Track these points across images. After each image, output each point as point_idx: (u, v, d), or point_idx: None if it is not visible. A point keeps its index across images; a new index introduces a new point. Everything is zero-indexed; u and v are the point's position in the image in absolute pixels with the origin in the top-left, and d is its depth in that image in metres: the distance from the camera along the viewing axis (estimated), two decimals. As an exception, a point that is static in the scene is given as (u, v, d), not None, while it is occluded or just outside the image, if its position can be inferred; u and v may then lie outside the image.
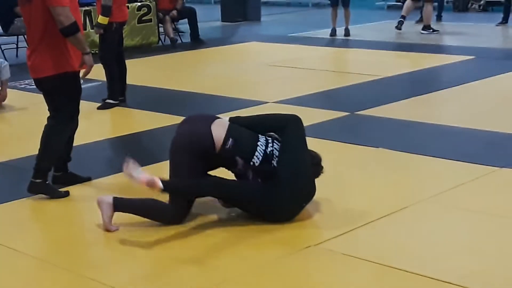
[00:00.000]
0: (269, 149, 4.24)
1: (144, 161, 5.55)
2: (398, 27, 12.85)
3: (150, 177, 4.00)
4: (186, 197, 4.25)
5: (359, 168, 5.33)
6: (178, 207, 4.25)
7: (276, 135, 4.37)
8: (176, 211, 4.25)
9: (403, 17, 12.98)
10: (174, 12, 12.21)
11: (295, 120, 4.36)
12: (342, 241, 4.00)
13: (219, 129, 4.21)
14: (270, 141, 4.30)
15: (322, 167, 4.43)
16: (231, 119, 4.39)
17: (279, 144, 4.30)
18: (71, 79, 4.74)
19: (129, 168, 4.03)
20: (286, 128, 4.30)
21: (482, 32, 12.92)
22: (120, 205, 4.21)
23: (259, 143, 4.25)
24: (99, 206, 4.22)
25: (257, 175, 4.22)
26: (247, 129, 4.32)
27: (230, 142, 4.18)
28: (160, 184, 3.99)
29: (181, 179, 4.20)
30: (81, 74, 4.82)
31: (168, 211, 4.25)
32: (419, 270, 3.61)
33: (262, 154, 4.21)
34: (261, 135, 4.32)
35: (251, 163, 4.19)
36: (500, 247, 3.91)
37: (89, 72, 4.74)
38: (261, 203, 4.19)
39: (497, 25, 13.29)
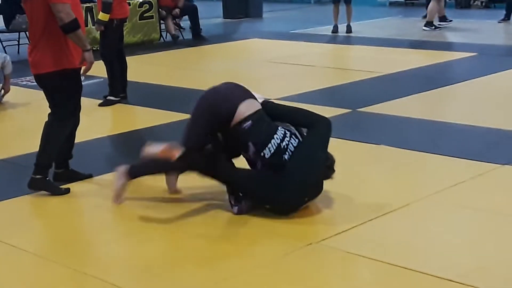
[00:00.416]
0: (284, 143, 4.25)
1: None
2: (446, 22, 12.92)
3: (168, 146, 4.17)
4: (198, 171, 4.43)
5: (361, 165, 5.32)
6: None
7: (296, 130, 4.39)
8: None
9: (443, 17, 13.02)
10: (177, 10, 12.18)
11: (326, 123, 4.40)
12: (344, 239, 3.99)
13: (246, 107, 4.27)
14: (288, 135, 4.30)
15: (333, 171, 4.42)
16: (263, 103, 4.40)
17: (297, 139, 4.31)
18: (71, 76, 4.73)
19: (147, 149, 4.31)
20: (314, 127, 4.33)
21: (484, 28, 12.89)
22: (134, 171, 4.45)
23: (275, 136, 4.26)
24: (116, 176, 4.46)
25: (265, 166, 4.24)
26: (274, 118, 4.35)
27: (248, 123, 4.23)
28: (177, 155, 4.19)
29: (198, 156, 4.33)
30: (81, 71, 4.80)
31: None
32: (421, 268, 3.60)
33: (275, 147, 4.22)
34: (282, 127, 4.33)
35: (262, 154, 4.22)
36: (502, 244, 3.90)
37: (89, 69, 4.74)
38: (265, 192, 4.23)
39: (499, 22, 13.26)
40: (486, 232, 4.09)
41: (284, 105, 4.67)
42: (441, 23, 12.84)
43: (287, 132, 4.31)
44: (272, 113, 4.37)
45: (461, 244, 3.92)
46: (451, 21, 12.87)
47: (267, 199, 4.27)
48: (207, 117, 4.30)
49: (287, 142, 4.25)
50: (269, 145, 4.22)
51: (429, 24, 12.63)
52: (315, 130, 4.33)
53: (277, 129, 4.29)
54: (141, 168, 4.55)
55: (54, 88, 4.77)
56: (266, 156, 4.22)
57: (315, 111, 4.55)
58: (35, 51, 4.73)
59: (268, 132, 4.26)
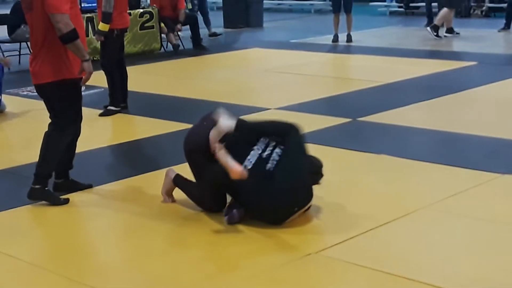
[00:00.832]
0: (266, 152, 4.33)
1: (145, 168, 5.58)
2: (452, 34, 12.97)
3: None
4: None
5: (360, 174, 5.32)
6: (208, 198, 4.53)
7: (280, 140, 4.42)
8: (209, 203, 4.55)
9: (451, 29, 13.06)
10: (179, 26, 12.17)
11: (296, 129, 4.45)
12: (342, 249, 3.99)
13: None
14: (271, 144, 4.36)
15: (321, 175, 4.44)
16: (236, 123, 4.46)
17: (281, 147, 4.33)
18: (70, 86, 4.74)
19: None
20: (288, 135, 4.40)
21: (484, 38, 12.90)
22: (177, 181, 4.73)
23: (255, 147, 4.37)
24: (165, 177, 4.75)
25: (250, 177, 4.25)
26: (251, 132, 4.45)
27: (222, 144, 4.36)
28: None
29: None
30: (84, 82, 4.80)
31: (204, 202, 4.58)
32: (421, 278, 3.59)
33: (255, 158, 4.32)
34: (264, 138, 4.41)
35: (244, 165, 4.27)
36: (502, 254, 3.89)
37: (88, 79, 4.74)
38: (255, 201, 4.28)
39: (499, 31, 13.27)
40: (486, 242, 4.08)
41: (254, 121, 4.77)
42: (447, 34, 12.88)
43: (270, 142, 4.38)
44: (245, 130, 4.47)
45: (461, 253, 3.91)
46: (457, 34, 12.92)
47: (257, 210, 4.31)
48: (197, 157, 4.56)
49: (269, 152, 4.33)
50: (249, 157, 4.32)
51: (434, 29, 12.66)
52: (291, 139, 4.38)
53: (258, 140, 4.40)
54: (182, 183, 4.73)
55: (54, 98, 4.79)
56: (248, 167, 4.28)
57: (283, 119, 4.64)
58: (36, 61, 4.75)
59: (245, 145, 4.38)
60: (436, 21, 12.81)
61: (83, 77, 4.74)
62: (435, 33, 12.57)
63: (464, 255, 3.90)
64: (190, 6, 13.82)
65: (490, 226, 4.29)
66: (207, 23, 14.15)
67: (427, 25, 13.42)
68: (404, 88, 8.61)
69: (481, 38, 12.88)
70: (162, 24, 12.19)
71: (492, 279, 3.60)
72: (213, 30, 14.19)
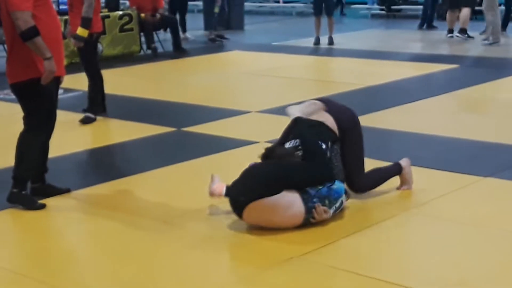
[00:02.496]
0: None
1: (124, 172, 5.51)
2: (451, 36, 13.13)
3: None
4: None
5: (342, 178, 5.27)
6: None
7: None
8: None
9: (451, 30, 13.19)
10: (158, 16, 12.11)
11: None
12: (325, 252, 3.95)
13: None
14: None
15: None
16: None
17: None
18: (39, 85, 4.65)
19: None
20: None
21: (466, 40, 12.94)
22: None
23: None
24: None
25: None
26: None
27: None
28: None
29: None
30: (44, 81, 4.67)
31: None
32: (402, 281, 3.56)
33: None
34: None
35: None
36: (485, 257, 3.88)
37: (48, 78, 4.60)
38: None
39: (481, 34, 13.33)
40: (469, 245, 4.06)
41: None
42: (459, 35, 13.03)
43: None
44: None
45: (444, 257, 3.88)
46: (471, 37, 13.01)
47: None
48: None
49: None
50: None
51: (462, 31, 12.84)
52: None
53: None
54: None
55: (26, 97, 4.74)
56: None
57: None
58: (8, 61, 4.74)
59: None
60: (461, 24, 12.94)
61: (51, 76, 4.64)
62: (465, 35, 12.75)
63: (447, 258, 3.87)
64: (216, 10, 13.68)
65: (472, 229, 4.27)
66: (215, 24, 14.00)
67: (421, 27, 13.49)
68: (386, 91, 8.60)
69: (462, 41, 12.92)
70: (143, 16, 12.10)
71: (475, 283, 3.58)
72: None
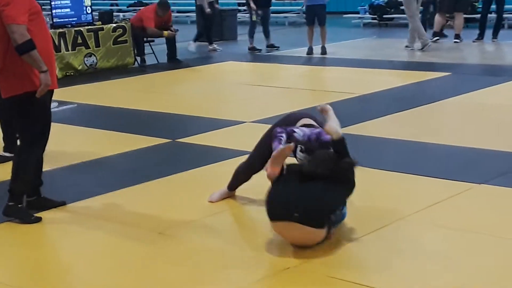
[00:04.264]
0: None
1: (119, 184, 5.51)
2: (434, 41, 13.30)
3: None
4: None
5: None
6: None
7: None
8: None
9: (436, 33, 13.41)
10: (172, 29, 12.31)
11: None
12: (322, 262, 3.95)
13: None
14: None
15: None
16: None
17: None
18: (34, 98, 4.65)
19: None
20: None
21: (458, 48, 13.00)
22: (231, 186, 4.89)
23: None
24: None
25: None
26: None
27: None
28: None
29: None
30: (39, 93, 4.65)
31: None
32: (400, 290, 3.57)
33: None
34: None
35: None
36: (479, 264, 3.89)
37: (44, 91, 4.59)
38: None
39: (474, 41, 13.41)
40: (465, 252, 4.07)
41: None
42: (457, 40, 13.36)
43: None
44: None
45: (440, 264, 3.89)
46: (461, 40, 13.42)
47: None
48: None
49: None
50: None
51: (458, 36, 13.21)
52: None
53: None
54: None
55: (20, 111, 4.73)
56: None
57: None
58: (1, 75, 4.71)
59: None
60: (457, 30, 13.35)
61: (47, 89, 4.64)
62: (461, 39, 13.20)
63: (443, 265, 3.88)
64: (254, 18, 13.59)
65: (468, 236, 4.28)
66: (266, 34, 13.87)
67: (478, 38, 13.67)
68: (379, 99, 8.63)
69: (454, 49, 12.98)
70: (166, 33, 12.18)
71: (471, 290, 3.58)
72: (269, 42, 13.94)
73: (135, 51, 12.28)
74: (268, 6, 13.95)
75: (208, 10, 13.46)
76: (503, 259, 3.96)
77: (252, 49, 13.68)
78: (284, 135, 4.30)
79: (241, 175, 4.91)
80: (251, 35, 13.73)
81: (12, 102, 4.74)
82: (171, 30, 12.39)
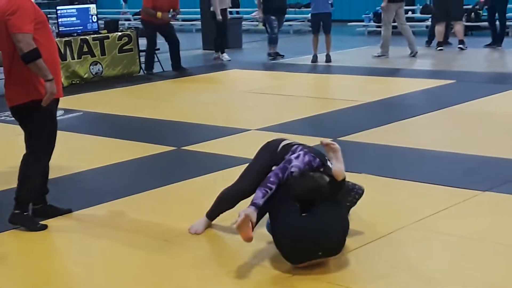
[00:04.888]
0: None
1: (125, 192, 5.53)
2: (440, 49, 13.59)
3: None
4: None
5: (342, 194, 5.29)
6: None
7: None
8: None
9: (440, 43, 13.60)
10: (174, 13, 12.16)
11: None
12: (325, 270, 3.95)
13: None
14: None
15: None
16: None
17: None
18: (40, 106, 4.68)
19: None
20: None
21: (462, 56, 13.02)
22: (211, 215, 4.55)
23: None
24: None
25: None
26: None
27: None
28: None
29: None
30: (45, 102, 4.67)
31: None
32: (404, 297, 3.57)
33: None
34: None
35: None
36: (485, 272, 3.89)
37: (49, 100, 4.62)
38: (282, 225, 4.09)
39: (484, 47, 13.55)
40: (470, 260, 4.07)
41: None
42: (461, 46, 13.54)
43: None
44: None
45: (445, 272, 3.90)
46: (466, 47, 13.59)
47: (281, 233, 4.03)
48: None
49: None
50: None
51: (462, 42, 13.48)
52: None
53: None
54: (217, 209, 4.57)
55: (27, 120, 4.77)
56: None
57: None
58: (7, 84, 4.76)
59: None
60: (460, 36, 13.55)
61: (52, 97, 4.67)
62: (465, 45, 13.43)
63: (448, 273, 3.88)
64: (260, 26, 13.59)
65: (473, 243, 4.29)
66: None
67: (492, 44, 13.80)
68: (383, 107, 8.64)
69: (458, 56, 13.00)
70: (159, 14, 11.95)
71: (475, 297, 3.59)
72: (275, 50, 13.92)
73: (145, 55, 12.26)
74: (283, 13, 14.04)
75: (219, 17, 13.39)
76: (508, 266, 3.96)
77: (273, 54, 13.79)
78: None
79: (227, 203, 4.56)
80: (271, 41, 13.83)
81: (18, 111, 4.78)
82: (174, 14, 12.19)
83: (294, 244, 3.91)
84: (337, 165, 4.13)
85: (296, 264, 3.94)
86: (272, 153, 4.43)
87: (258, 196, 4.05)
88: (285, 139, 4.53)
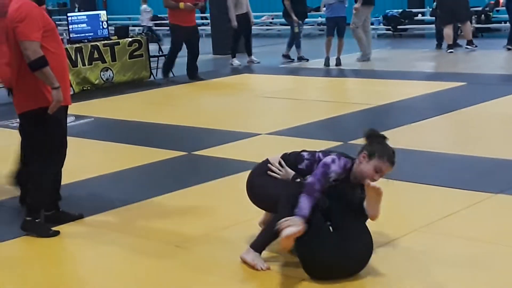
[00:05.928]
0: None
1: (136, 197, 5.54)
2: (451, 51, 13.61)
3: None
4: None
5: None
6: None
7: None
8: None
9: (450, 46, 13.57)
10: (199, 5, 11.91)
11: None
12: (338, 273, 3.95)
13: None
14: None
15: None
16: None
17: None
18: (48, 114, 4.68)
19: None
20: None
21: (473, 58, 12.98)
22: (259, 247, 4.08)
23: None
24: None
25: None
26: None
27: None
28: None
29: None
30: (51, 110, 4.68)
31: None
32: (417, 301, 3.56)
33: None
34: None
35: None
36: (497, 274, 3.87)
37: (55, 108, 4.63)
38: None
39: (505, 47, 13.53)
40: (482, 263, 4.05)
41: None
42: (469, 46, 13.67)
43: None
44: None
45: (457, 275, 3.88)
46: (476, 46, 13.73)
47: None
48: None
49: None
50: None
51: (471, 43, 13.60)
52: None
53: None
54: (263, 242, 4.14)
55: (35, 127, 4.77)
56: None
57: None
58: (15, 91, 4.78)
59: None
60: (468, 37, 13.73)
61: (59, 105, 4.68)
62: (474, 45, 13.50)
63: (460, 276, 3.86)
64: (296, 30, 13.63)
65: (485, 246, 4.26)
66: (298, 45, 13.85)
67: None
68: (394, 110, 8.63)
69: (469, 58, 12.96)
70: (182, 4, 11.67)
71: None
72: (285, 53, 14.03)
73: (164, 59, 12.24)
74: (305, 18, 14.16)
75: (234, 23, 13.31)
76: (520, 269, 3.95)
77: (286, 57, 13.88)
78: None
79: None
80: (290, 45, 13.92)
81: (26, 118, 4.79)
82: (201, 5, 11.94)
83: (321, 263, 3.86)
84: (376, 208, 4.06)
85: (315, 278, 3.89)
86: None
87: (305, 206, 3.81)
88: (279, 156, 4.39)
